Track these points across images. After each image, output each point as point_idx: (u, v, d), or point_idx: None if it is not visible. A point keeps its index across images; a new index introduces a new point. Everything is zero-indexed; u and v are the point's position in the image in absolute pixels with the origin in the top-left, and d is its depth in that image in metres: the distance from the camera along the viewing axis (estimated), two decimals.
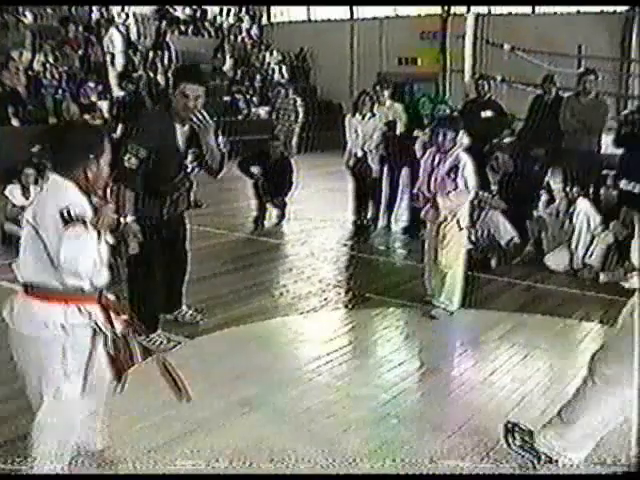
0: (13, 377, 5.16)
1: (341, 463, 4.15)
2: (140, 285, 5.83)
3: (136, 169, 5.47)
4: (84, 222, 3.22)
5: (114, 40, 18.81)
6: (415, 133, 9.75)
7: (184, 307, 6.42)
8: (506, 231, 8.73)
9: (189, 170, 5.90)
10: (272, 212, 10.98)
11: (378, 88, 10.69)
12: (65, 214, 3.20)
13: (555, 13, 19.09)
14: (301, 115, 16.52)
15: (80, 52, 18.01)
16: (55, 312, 3.38)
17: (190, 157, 5.80)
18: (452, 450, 4.30)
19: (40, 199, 3.44)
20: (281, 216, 10.95)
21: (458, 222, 6.67)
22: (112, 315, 3.49)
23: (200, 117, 5.55)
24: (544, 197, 8.84)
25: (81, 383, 3.51)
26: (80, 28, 18.81)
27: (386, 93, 10.61)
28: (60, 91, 16.08)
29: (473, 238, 8.87)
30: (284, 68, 22.38)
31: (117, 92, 16.33)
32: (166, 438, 4.36)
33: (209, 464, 4.05)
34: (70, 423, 3.54)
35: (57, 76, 16.63)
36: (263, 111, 20.07)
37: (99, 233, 3.31)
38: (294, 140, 16.67)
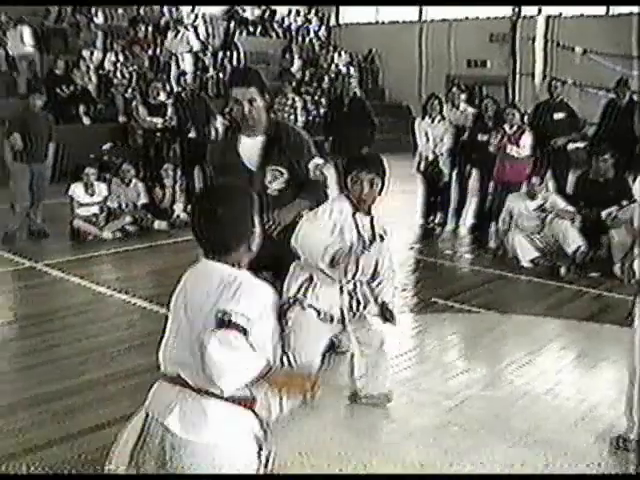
0: (78, 372, 5.34)
1: (400, 469, 4.14)
2: None
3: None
4: None
5: (190, 41, 19.00)
6: (479, 137, 9.67)
7: None
8: (574, 240, 8.55)
9: (271, 191, 4.73)
10: None
11: (455, 90, 10.62)
12: None
13: (631, 13, 18.60)
14: (300, 119, 14.04)
15: (149, 52, 18.27)
16: None
17: (269, 176, 4.74)
18: (514, 461, 4.24)
19: None
20: None
21: None
22: None
23: (284, 128, 4.86)
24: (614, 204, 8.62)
25: None
26: (150, 28, 19.08)
27: (463, 96, 10.55)
28: (130, 90, 16.35)
29: (540, 245, 8.75)
30: (352, 70, 22.33)
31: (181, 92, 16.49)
32: None
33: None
34: None
35: (127, 75, 16.90)
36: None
37: None
38: None
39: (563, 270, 8.29)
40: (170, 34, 19.03)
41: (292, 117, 13.75)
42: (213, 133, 12.00)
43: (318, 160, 4.85)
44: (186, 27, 19.81)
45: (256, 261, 3.52)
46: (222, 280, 2.70)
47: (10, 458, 4.21)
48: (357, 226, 4.48)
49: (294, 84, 15.75)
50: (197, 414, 2.72)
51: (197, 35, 20.32)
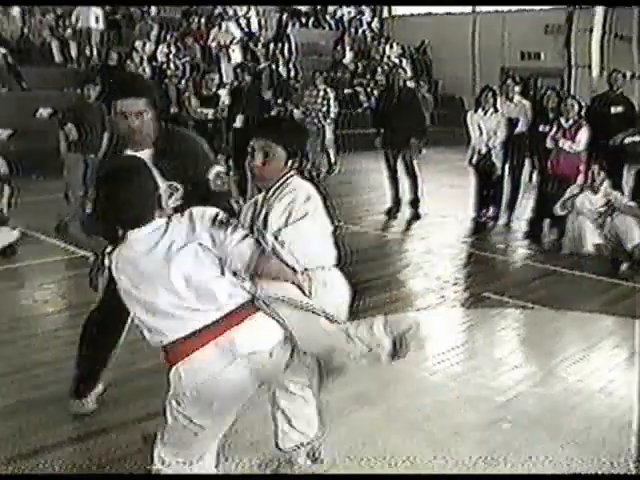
0: (128, 361, 5.37)
1: (451, 465, 4.10)
2: None
3: (92, 213, 4.51)
4: None
5: (234, 33, 19.09)
6: (541, 129, 9.53)
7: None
8: (634, 235, 8.35)
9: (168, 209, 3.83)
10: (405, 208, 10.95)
11: (509, 82, 10.50)
12: None
13: None
14: (333, 111, 14.02)
15: (202, 43, 18.38)
16: None
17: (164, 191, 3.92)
18: (565, 461, 4.17)
19: None
20: (415, 215, 10.88)
21: None
22: None
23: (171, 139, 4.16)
24: None
25: None
26: (202, 20, 19.17)
27: (517, 89, 10.43)
28: (183, 81, 16.44)
29: (601, 240, 8.57)
30: (404, 61, 22.20)
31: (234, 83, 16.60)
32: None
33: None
34: None
35: (179, 67, 17.02)
36: None
37: None
38: (328, 140, 14.62)
39: (625, 266, 8.11)
40: (215, 28, 19.09)
41: (324, 109, 13.72)
42: None
43: (218, 167, 4.26)
44: (237, 20, 19.90)
45: None
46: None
47: (61, 445, 4.27)
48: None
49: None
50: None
51: (248, 26, 20.42)
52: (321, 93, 13.87)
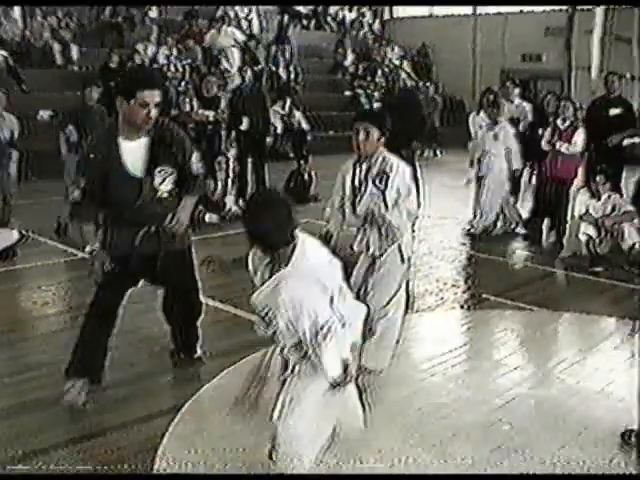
0: (128, 363, 5.38)
1: (448, 467, 4.10)
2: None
3: (81, 201, 4.75)
4: None
5: (235, 35, 19.08)
6: (541, 132, 9.52)
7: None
8: (630, 236, 8.35)
9: (161, 194, 4.72)
10: None
11: (509, 84, 10.49)
12: None
13: None
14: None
15: (203, 45, 18.38)
16: None
17: (158, 178, 4.68)
18: (565, 461, 4.17)
19: None
20: None
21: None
22: None
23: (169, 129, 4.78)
24: None
25: None
26: (204, 22, 19.16)
27: (516, 91, 10.42)
28: (183, 84, 16.43)
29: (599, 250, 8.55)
30: (405, 63, 22.18)
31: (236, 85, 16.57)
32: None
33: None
34: None
35: (180, 69, 17.01)
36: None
37: None
38: None
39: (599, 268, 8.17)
40: (212, 30, 19.07)
41: None
42: (272, 128, 11.99)
43: (197, 154, 4.95)
44: (239, 22, 19.89)
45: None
46: None
47: (58, 447, 4.28)
48: (354, 173, 5.14)
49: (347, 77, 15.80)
50: None
51: (250, 28, 20.40)
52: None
